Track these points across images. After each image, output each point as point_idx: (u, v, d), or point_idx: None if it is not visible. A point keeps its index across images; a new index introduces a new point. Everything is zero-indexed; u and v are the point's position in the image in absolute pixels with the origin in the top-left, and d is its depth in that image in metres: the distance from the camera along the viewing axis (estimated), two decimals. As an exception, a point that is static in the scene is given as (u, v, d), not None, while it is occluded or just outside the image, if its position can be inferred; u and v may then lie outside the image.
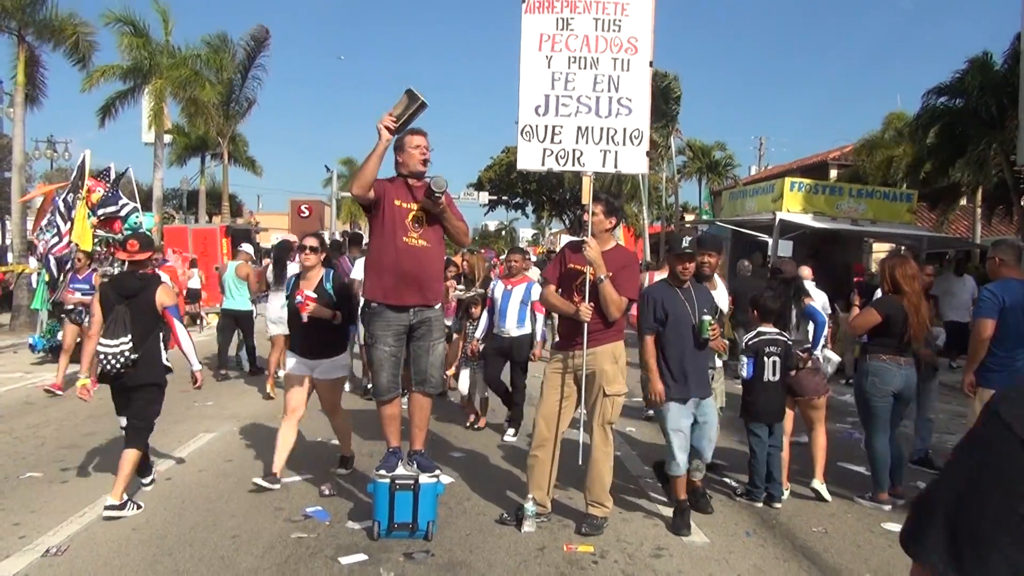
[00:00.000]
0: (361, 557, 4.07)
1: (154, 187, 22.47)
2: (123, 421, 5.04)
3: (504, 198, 41.26)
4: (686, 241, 4.78)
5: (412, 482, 4.33)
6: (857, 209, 13.84)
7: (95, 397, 5.11)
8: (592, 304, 4.49)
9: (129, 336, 4.75)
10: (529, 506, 4.53)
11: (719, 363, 5.22)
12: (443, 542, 4.30)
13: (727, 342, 5.25)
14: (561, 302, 4.70)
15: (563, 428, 4.69)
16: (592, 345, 4.51)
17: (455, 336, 7.58)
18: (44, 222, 11.95)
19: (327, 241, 6.42)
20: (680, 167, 30.49)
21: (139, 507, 4.75)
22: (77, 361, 9.17)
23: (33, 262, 14.41)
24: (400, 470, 4.43)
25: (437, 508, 4.45)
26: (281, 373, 7.43)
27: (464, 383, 7.37)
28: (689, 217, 33.27)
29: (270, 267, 8.78)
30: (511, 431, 7.00)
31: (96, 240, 11.71)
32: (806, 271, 7.01)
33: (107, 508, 4.61)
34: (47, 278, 11.40)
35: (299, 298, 5.11)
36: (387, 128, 4.25)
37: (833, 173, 24.70)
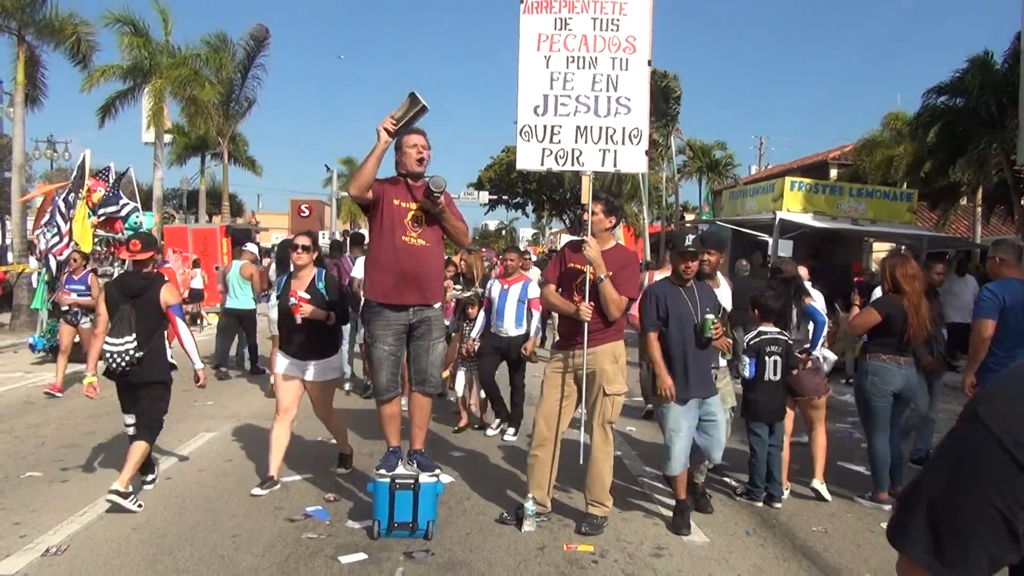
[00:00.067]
0: (361, 556, 4.07)
1: (154, 187, 22.48)
2: (128, 419, 5.09)
3: (504, 198, 41.27)
4: (689, 239, 4.71)
5: (412, 481, 4.33)
6: (857, 209, 13.82)
7: (97, 396, 5.12)
8: (592, 304, 4.49)
9: (134, 335, 4.83)
10: (529, 505, 4.53)
11: (723, 362, 5.18)
12: (443, 541, 4.30)
13: (731, 341, 5.21)
14: (561, 301, 4.70)
15: (563, 427, 4.69)
16: (592, 345, 4.51)
17: (452, 336, 7.57)
18: (44, 222, 11.95)
19: (319, 240, 6.41)
20: (680, 166, 30.50)
21: (139, 506, 4.75)
22: (75, 361, 9.22)
23: (33, 262, 14.41)
24: (400, 469, 4.43)
25: (437, 507, 4.45)
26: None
27: (460, 385, 7.36)
28: (689, 216, 33.27)
29: (272, 266, 8.79)
30: (511, 430, 7.01)
31: (96, 240, 11.71)
32: (802, 271, 6.99)
33: (111, 492, 4.63)
34: (47, 278, 11.41)
35: (293, 300, 5.06)
36: (386, 130, 4.26)
37: (833, 172, 24.70)
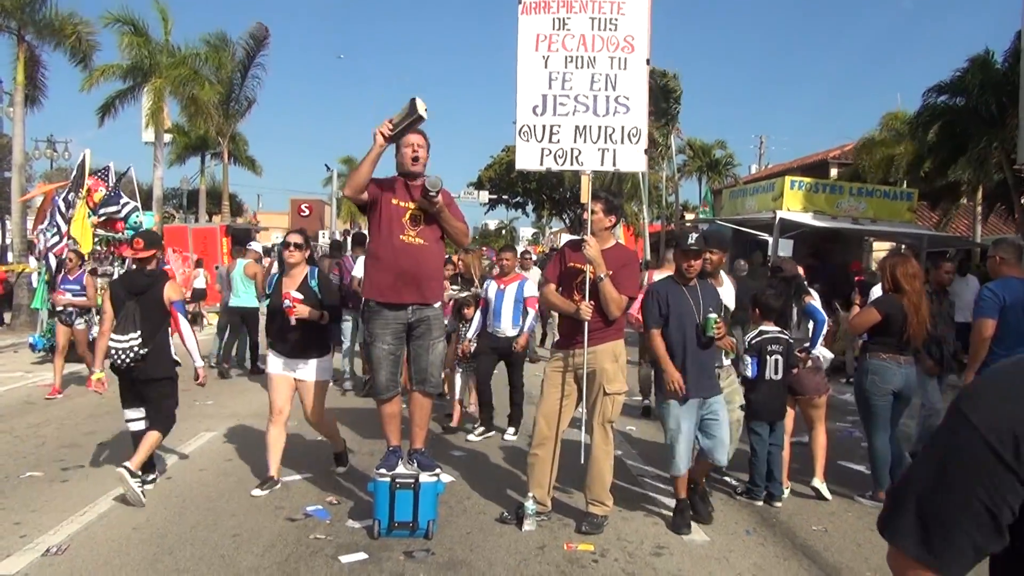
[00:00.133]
0: (361, 556, 4.07)
1: (154, 186, 22.47)
2: (129, 415, 5.24)
3: (504, 197, 41.24)
4: (692, 237, 4.65)
5: (412, 481, 4.33)
6: (857, 208, 13.83)
7: (95, 398, 5.16)
8: (592, 303, 4.49)
9: (139, 332, 4.98)
10: (529, 505, 4.53)
11: (727, 361, 5.15)
12: (443, 541, 4.30)
13: (734, 340, 5.18)
14: (561, 301, 4.69)
15: (563, 427, 4.69)
16: (592, 344, 4.51)
17: (451, 336, 7.55)
18: (44, 222, 11.96)
19: (310, 238, 6.38)
20: (680, 166, 30.45)
21: (142, 504, 4.76)
22: (71, 361, 9.22)
23: (32, 261, 14.42)
24: (400, 469, 4.43)
25: (437, 507, 4.46)
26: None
27: (457, 387, 7.31)
28: (689, 216, 33.26)
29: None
30: (511, 430, 7.00)
31: (96, 240, 11.72)
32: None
33: (123, 466, 4.80)
34: (47, 277, 11.41)
35: (287, 302, 5.00)
36: (382, 134, 4.25)
37: (833, 172, 24.67)
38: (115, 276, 10.75)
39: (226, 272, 10.76)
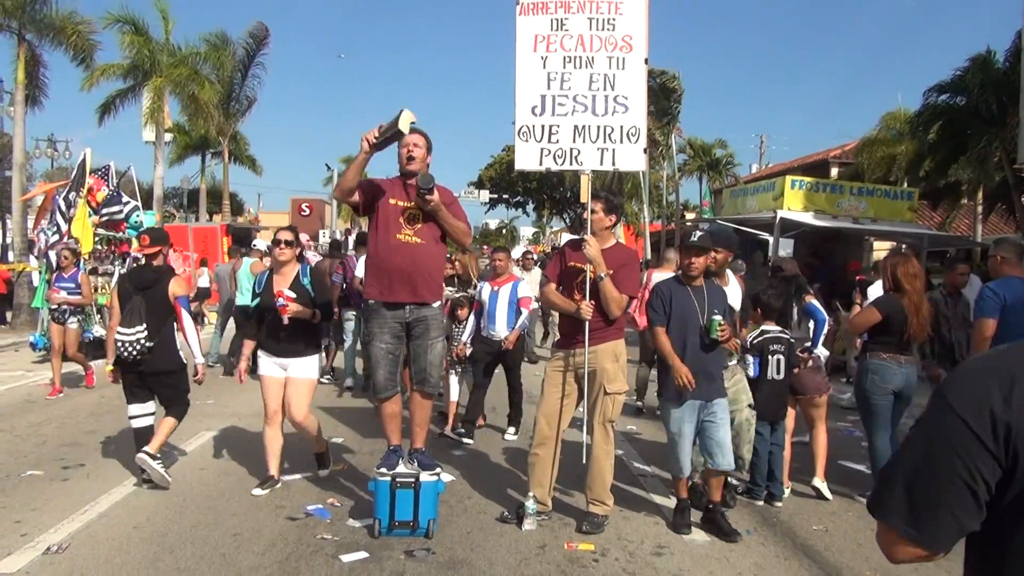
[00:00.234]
0: (362, 555, 4.07)
1: (154, 185, 22.48)
2: (132, 410, 5.33)
3: (505, 197, 41.28)
4: (696, 235, 4.57)
5: (413, 480, 4.33)
6: (858, 207, 13.81)
7: (96, 396, 5.16)
8: (593, 302, 4.49)
9: (144, 325, 5.11)
10: (530, 504, 4.53)
11: (732, 361, 5.09)
12: (444, 540, 4.31)
13: (739, 342, 5.13)
14: (562, 300, 4.69)
15: (564, 426, 4.70)
16: (593, 343, 4.50)
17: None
18: (45, 221, 11.97)
19: (312, 238, 6.38)
20: (681, 165, 30.45)
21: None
22: (68, 360, 9.19)
23: (33, 260, 14.42)
24: (401, 468, 4.43)
25: (438, 506, 4.46)
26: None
27: (454, 390, 7.15)
28: (690, 215, 33.27)
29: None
30: (511, 430, 7.00)
31: (97, 239, 11.73)
32: None
33: (143, 451, 5.01)
34: (48, 276, 11.41)
35: (280, 300, 4.95)
36: (367, 140, 4.23)
37: (834, 171, 24.67)
38: (116, 275, 10.76)
39: (232, 271, 10.76)
